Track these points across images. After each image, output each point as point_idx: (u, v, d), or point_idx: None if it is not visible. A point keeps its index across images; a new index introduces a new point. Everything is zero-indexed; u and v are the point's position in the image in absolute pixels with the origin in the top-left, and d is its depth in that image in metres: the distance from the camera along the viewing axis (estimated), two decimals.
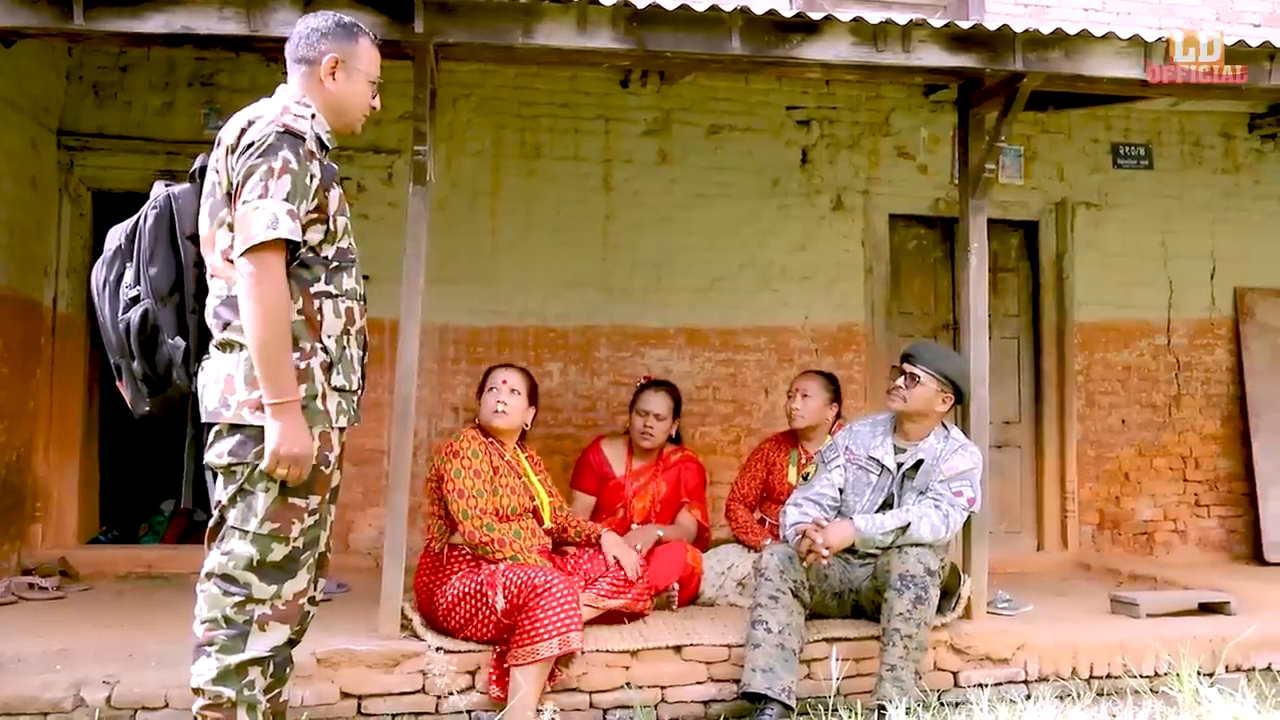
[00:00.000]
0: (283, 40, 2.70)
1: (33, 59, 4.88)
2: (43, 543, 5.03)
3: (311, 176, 2.45)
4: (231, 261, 2.41)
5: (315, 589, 2.69)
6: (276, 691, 2.61)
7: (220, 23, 3.41)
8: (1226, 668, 3.78)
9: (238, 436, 2.41)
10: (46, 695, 3.17)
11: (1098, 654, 3.94)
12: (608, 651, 3.57)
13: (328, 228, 2.51)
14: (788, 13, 3.68)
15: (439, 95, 4.07)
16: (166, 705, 3.20)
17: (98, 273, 2.67)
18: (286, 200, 2.37)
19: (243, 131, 2.44)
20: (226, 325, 2.45)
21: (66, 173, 5.21)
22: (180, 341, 2.55)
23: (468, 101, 5.54)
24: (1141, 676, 3.78)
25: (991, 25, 3.77)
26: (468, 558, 3.59)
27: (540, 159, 5.61)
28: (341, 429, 2.56)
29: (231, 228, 2.43)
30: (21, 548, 4.86)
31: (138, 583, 4.83)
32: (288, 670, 2.68)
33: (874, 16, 3.68)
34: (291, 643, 2.68)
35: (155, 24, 3.40)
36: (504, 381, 3.81)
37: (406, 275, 3.67)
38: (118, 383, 2.67)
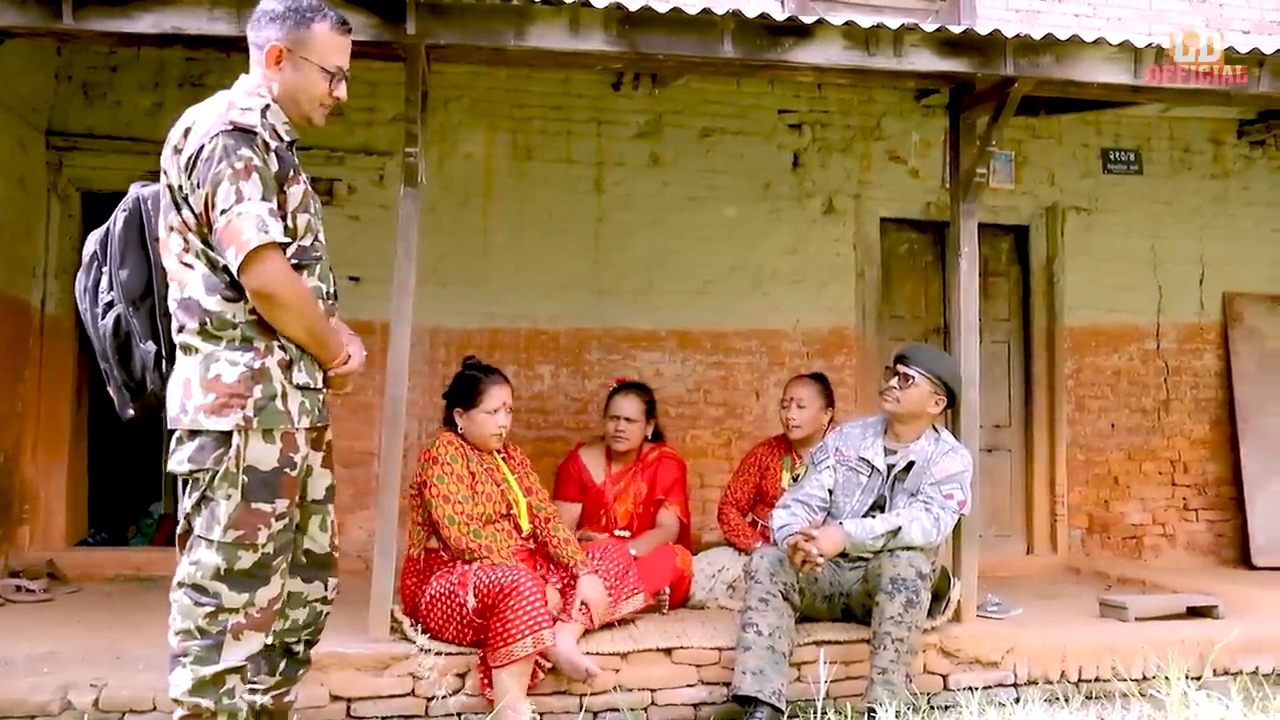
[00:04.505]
0: None
1: (21, 58, 4.86)
2: (30, 545, 5.00)
3: (271, 171, 2.41)
4: (188, 265, 2.39)
5: (327, 589, 2.68)
6: (284, 690, 2.59)
7: (210, 23, 3.40)
8: (1214, 671, 3.79)
9: (196, 442, 2.37)
10: (33, 698, 3.15)
11: (1086, 657, 3.95)
12: (598, 654, 3.56)
13: (286, 226, 2.43)
14: (780, 16, 3.68)
15: (430, 97, 4.07)
16: (154, 708, 3.18)
17: (79, 279, 2.65)
18: (263, 199, 2.34)
19: (187, 132, 2.40)
20: (182, 328, 2.42)
21: (55, 173, 5.18)
22: (151, 346, 2.52)
23: (459, 103, 5.53)
24: (1130, 680, 3.79)
25: (983, 30, 3.78)
26: (444, 559, 3.59)
27: (532, 161, 5.61)
28: (307, 429, 2.49)
29: (174, 229, 2.41)
30: (9, 550, 4.83)
31: (126, 585, 4.81)
32: (300, 672, 2.66)
33: (866, 21, 3.69)
34: (309, 644, 2.66)
35: (145, 24, 3.39)
36: (504, 404, 3.72)
37: (397, 277, 3.66)
38: (108, 386, 2.65)
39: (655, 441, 4.61)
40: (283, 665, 2.55)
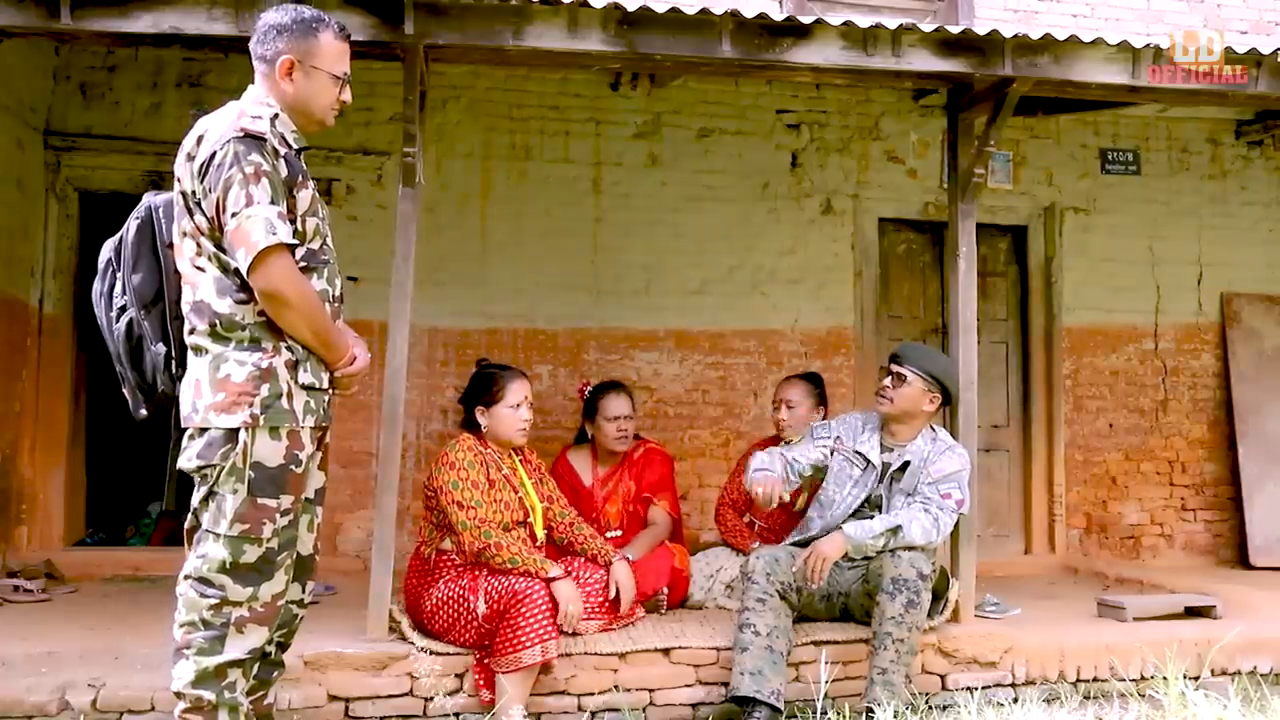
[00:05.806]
0: None
1: (19, 58, 4.86)
2: (28, 545, 5.00)
3: (280, 176, 2.47)
4: (200, 269, 2.46)
5: (304, 592, 2.69)
6: (261, 694, 2.61)
7: (209, 23, 3.40)
8: (1212, 671, 3.80)
9: (205, 438, 2.44)
10: (31, 699, 3.14)
11: (1085, 657, 3.95)
12: (596, 654, 3.56)
13: (295, 229, 2.51)
14: (778, 16, 3.68)
15: (429, 97, 4.06)
16: (152, 708, 3.18)
17: (95, 285, 2.75)
18: (272, 203, 2.40)
19: (199, 141, 2.46)
20: (193, 330, 2.49)
21: (53, 173, 5.17)
22: (161, 348, 2.60)
23: (458, 103, 5.53)
24: (1128, 680, 3.79)
25: (981, 30, 3.78)
26: (455, 563, 3.56)
27: (530, 161, 5.61)
28: (312, 428, 2.55)
29: (187, 234, 2.48)
30: (6, 550, 4.82)
31: (124, 585, 4.80)
32: (275, 674, 2.69)
33: (864, 21, 3.70)
34: (282, 646, 2.68)
35: (143, 24, 3.39)
36: (526, 397, 3.73)
37: (395, 277, 3.66)
38: (123, 388, 2.73)
39: (635, 438, 4.59)
40: (256, 668, 2.57)
